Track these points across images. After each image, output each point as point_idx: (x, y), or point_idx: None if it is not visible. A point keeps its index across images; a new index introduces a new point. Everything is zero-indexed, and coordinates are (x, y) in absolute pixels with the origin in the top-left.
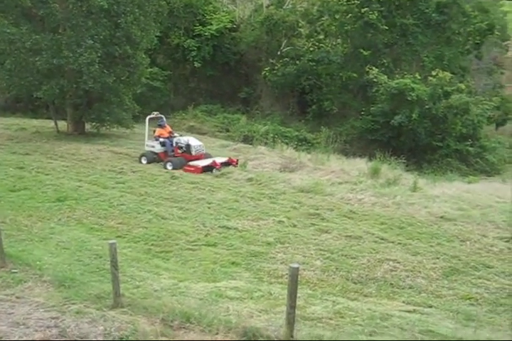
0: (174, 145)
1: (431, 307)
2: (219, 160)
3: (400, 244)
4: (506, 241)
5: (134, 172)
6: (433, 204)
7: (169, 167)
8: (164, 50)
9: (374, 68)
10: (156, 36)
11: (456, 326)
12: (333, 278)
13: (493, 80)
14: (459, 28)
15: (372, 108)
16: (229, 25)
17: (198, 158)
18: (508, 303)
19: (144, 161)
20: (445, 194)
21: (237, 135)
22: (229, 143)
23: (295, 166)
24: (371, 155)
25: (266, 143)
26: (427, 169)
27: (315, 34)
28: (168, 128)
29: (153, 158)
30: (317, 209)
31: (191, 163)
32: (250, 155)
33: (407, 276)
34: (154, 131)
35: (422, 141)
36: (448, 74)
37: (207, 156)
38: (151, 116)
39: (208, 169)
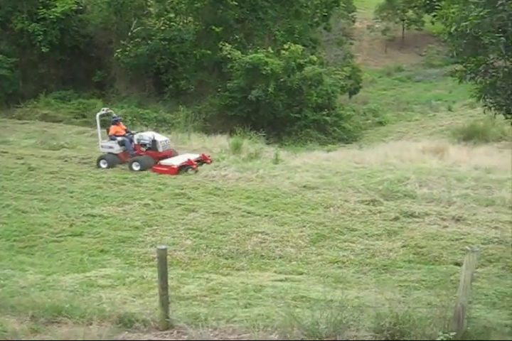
0: (136, 142)
1: (301, 274)
2: (191, 157)
3: (266, 216)
4: (367, 204)
5: None
6: (295, 175)
7: (136, 167)
8: (7, 36)
9: (227, 44)
10: None
11: (326, 289)
12: (205, 256)
13: (344, 51)
14: (306, 1)
15: (228, 84)
16: (75, 7)
17: (166, 155)
18: (373, 263)
19: (103, 165)
20: (306, 164)
21: (94, 120)
22: (86, 129)
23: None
24: (232, 131)
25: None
26: (287, 141)
27: (165, 13)
28: (123, 125)
29: (115, 161)
30: (182, 189)
31: (163, 162)
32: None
33: (277, 247)
34: (108, 130)
35: (280, 114)
36: (299, 47)
37: (175, 153)
38: (102, 112)
39: (183, 169)
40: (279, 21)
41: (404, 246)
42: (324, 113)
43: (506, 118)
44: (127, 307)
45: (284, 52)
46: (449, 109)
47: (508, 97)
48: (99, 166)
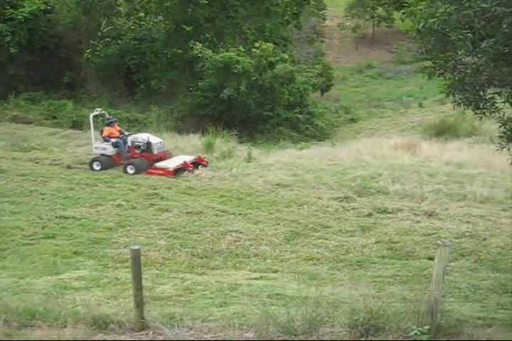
0: (130, 144)
1: (276, 272)
2: (187, 159)
3: (240, 214)
4: (340, 201)
5: None
6: (268, 173)
7: (131, 170)
8: None
9: (198, 43)
10: None
11: (300, 286)
12: (179, 256)
13: (315, 48)
14: None
15: (200, 83)
16: (43, 7)
17: (160, 158)
18: (347, 259)
19: (96, 167)
20: (279, 162)
21: (65, 121)
22: (57, 131)
23: None
24: (204, 131)
25: (96, 128)
26: (260, 139)
27: (135, 12)
28: (117, 127)
29: (109, 163)
30: (155, 189)
31: (158, 165)
32: (81, 140)
33: (251, 245)
34: (101, 132)
35: (253, 112)
36: (270, 45)
37: (169, 155)
38: (95, 113)
39: (179, 171)
40: (250, 20)
41: (377, 242)
42: (296, 111)
43: (475, 113)
44: (102, 308)
45: (255, 50)
46: (420, 105)
47: (477, 93)
48: (92, 168)
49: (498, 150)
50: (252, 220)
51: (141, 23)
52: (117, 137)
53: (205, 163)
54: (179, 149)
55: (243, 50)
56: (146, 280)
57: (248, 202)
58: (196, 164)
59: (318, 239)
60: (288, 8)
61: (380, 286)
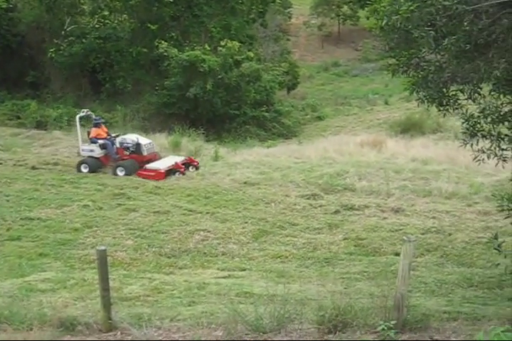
0: (118, 145)
1: (244, 270)
2: (177, 160)
3: (208, 213)
4: (307, 199)
5: None
6: (236, 172)
7: (121, 173)
8: None
9: (163, 42)
10: None
11: (269, 284)
12: (147, 256)
13: (281, 47)
14: None
15: (166, 82)
16: (5, 5)
17: (150, 159)
18: (315, 256)
19: (84, 170)
20: (246, 160)
21: (29, 121)
22: (21, 131)
23: None
24: (171, 129)
25: (61, 128)
26: (227, 138)
27: (99, 10)
28: (105, 128)
29: (97, 165)
30: (122, 189)
31: (149, 167)
32: (46, 141)
33: (219, 244)
34: (88, 133)
35: (219, 111)
36: (236, 44)
37: (159, 156)
38: (81, 114)
39: (170, 173)
40: (215, 18)
41: (345, 239)
42: (263, 109)
43: (439, 110)
44: (69, 310)
45: (220, 49)
46: (386, 103)
47: (440, 90)
48: (79, 171)
49: (461, 146)
50: (220, 219)
51: (106, 21)
52: (105, 138)
53: (195, 163)
54: None
55: (209, 48)
56: (113, 280)
57: (215, 201)
58: (187, 165)
59: (286, 237)
60: (253, 7)
61: (347, 283)
